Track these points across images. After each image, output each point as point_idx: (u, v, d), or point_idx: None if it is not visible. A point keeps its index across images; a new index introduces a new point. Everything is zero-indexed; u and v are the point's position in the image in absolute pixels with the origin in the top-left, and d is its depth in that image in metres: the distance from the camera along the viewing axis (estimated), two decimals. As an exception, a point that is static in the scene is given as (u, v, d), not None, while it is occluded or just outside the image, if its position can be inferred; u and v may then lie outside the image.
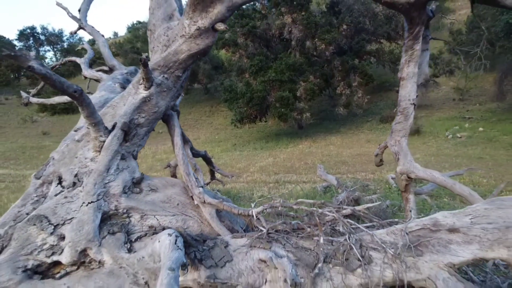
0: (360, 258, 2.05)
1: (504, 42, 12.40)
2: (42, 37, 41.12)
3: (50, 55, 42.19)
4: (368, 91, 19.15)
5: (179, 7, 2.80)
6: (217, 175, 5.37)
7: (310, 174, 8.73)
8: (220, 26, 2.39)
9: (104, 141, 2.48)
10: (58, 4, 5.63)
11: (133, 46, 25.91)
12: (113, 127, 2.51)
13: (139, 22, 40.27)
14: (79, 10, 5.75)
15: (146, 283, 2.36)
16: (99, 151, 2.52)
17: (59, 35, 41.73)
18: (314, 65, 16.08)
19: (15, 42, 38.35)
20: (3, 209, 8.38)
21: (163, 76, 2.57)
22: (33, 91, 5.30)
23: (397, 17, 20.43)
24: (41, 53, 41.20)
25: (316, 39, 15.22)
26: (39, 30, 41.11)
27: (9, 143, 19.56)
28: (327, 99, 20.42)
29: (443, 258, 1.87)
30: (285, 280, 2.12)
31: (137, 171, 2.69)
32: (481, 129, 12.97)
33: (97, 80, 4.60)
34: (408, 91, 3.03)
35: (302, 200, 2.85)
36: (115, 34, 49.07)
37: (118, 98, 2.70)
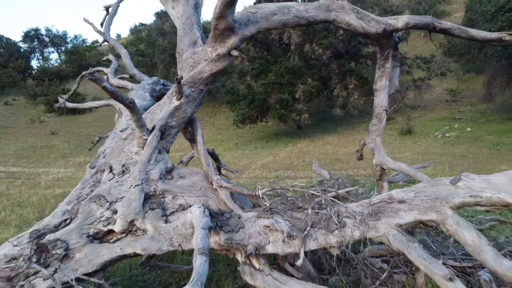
0: (337, 223, 2.85)
1: (487, 48, 13.20)
2: (46, 39, 41.94)
3: (54, 57, 42.95)
4: (364, 93, 19.96)
5: (201, 35, 3.59)
6: (223, 171, 6.16)
7: (307, 171, 9.54)
8: (234, 53, 3.19)
9: (146, 139, 3.28)
10: (85, 20, 6.42)
11: (138, 49, 26.67)
12: (153, 128, 3.30)
13: (142, 24, 41.01)
14: (101, 24, 6.55)
15: (179, 245, 3.14)
16: (142, 147, 3.32)
17: (63, 37, 42.56)
18: (312, 68, 16.89)
19: (20, 44, 39.17)
20: (26, 203, 9.20)
21: (190, 90, 3.36)
22: (65, 96, 6.07)
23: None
24: (45, 54, 42.09)
25: (314, 44, 16.03)
26: (43, 31, 41.96)
27: (20, 142, 20.39)
28: (325, 101, 21.22)
29: (394, 220, 2.67)
30: (283, 241, 2.92)
31: (169, 162, 3.49)
32: (468, 129, 13.78)
33: (121, 87, 5.38)
34: (381, 100, 3.82)
35: (296, 183, 3.65)
36: (118, 35, 49.93)
37: (155, 106, 3.49)
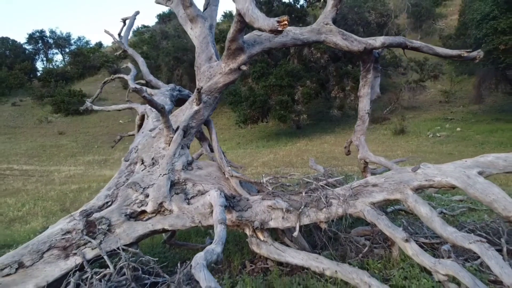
0: (325, 203, 3.62)
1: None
2: (51, 40, 42.72)
3: (59, 58, 43.71)
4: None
5: (215, 52, 4.36)
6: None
7: (305, 168, 10.32)
8: (243, 67, 3.96)
9: (172, 137, 4.05)
10: (106, 32, 7.19)
11: (143, 51, 27.42)
12: (177, 128, 4.07)
13: (144, 26, 41.77)
14: (119, 35, 7.31)
15: (199, 222, 3.90)
16: (168, 144, 4.09)
17: (67, 39, 43.34)
18: (310, 71, 17.68)
19: (25, 46, 39.95)
20: (45, 197, 9.96)
21: (207, 97, 4.13)
22: (89, 100, 6.84)
23: (388, 26, 22.00)
24: (49, 56, 42.88)
25: (313, 48, 16.82)
26: (47, 33, 42.75)
27: (29, 142, 21.17)
28: (323, 102, 21.99)
29: (368, 199, 3.44)
30: (283, 217, 3.69)
31: (189, 156, 4.26)
32: (458, 129, 14.55)
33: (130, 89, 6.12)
34: (364, 105, 4.59)
35: (294, 173, 4.42)
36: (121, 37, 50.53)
37: (178, 110, 4.26)
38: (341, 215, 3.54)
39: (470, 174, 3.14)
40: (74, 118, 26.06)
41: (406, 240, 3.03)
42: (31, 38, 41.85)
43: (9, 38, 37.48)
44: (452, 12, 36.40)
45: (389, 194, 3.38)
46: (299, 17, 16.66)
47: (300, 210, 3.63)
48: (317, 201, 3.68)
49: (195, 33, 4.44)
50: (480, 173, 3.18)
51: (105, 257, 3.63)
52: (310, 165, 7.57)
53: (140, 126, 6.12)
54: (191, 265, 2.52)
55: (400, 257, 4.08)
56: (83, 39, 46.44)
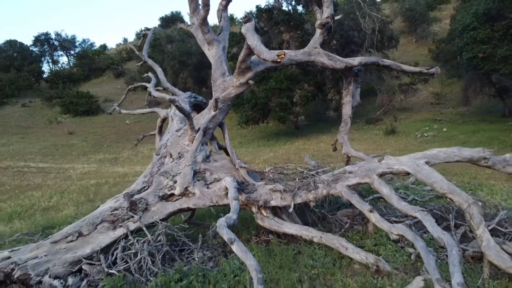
0: (313, 186, 4.74)
1: (460, 60, 15.11)
2: (56, 43, 43.85)
3: (64, 60, 44.74)
4: (356, 96, 21.87)
5: (227, 69, 5.49)
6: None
7: (302, 164, 11.43)
8: (250, 82, 5.09)
9: (194, 136, 5.17)
10: (128, 45, 8.37)
11: (148, 55, 28.55)
12: (199, 129, 5.19)
13: (147, 29, 42.76)
14: (139, 47, 8.43)
15: (216, 202, 5.02)
16: (192, 141, 5.21)
17: (72, 41, 44.47)
18: (308, 75, 18.82)
19: (32, 48, 41.04)
20: (69, 190, 11.05)
21: (222, 104, 5.26)
22: (116, 104, 7.93)
23: (382, 31, 23.12)
24: (55, 58, 44.00)
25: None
26: (53, 36, 43.87)
27: (41, 141, 22.28)
28: (320, 104, 23.12)
29: (345, 183, 4.55)
30: (281, 198, 4.80)
31: (208, 151, 5.38)
32: (445, 129, 15.68)
33: (152, 96, 7.19)
34: (346, 110, 5.72)
35: (290, 164, 5.55)
36: (125, 40, 51.85)
37: (198, 115, 5.39)
38: (326, 195, 4.66)
39: (419, 163, 4.27)
40: (82, 119, 27.20)
41: (371, 211, 4.15)
42: (37, 40, 43.00)
43: (16, 41, 38.65)
44: (446, 16, 37.46)
45: (361, 178, 4.50)
46: (297, 25, 17.79)
47: (294, 192, 4.75)
48: (307, 185, 4.81)
49: (212, 53, 5.57)
50: (427, 163, 4.31)
51: (144, 228, 4.77)
52: (306, 160, 8.72)
53: (160, 127, 7.26)
54: (216, 226, 3.63)
55: (374, 231, 5.20)
56: (87, 41, 47.54)
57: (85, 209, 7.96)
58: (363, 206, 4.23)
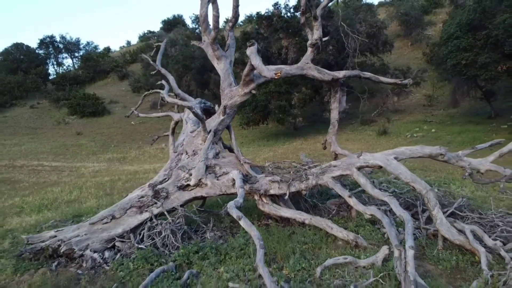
0: (305, 178, 5.79)
1: (445, 65, 16.17)
2: (61, 45, 44.90)
3: (69, 62, 45.82)
4: (351, 99, 22.93)
5: (234, 80, 6.53)
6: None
7: (298, 162, 12.47)
8: (253, 91, 6.14)
9: (206, 137, 6.22)
10: (143, 57, 9.34)
11: (150, 56, 29.62)
12: (210, 131, 6.24)
13: (150, 32, 43.92)
14: (151, 57, 9.45)
15: (225, 191, 6.06)
16: (204, 141, 6.26)
17: (76, 44, 45.52)
18: (306, 79, 19.85)
19: (37, 51, 42.08)
20: (86, 186, 12.02)
21: (229, 110, 6.30)
22: (134, 107, 8.96)
23: (377, 36, 24.18)
24: (59, 60, 45.05)
25: (308, 58, 19.02)
26: (58, 38, 44.94)
27: (51, 141, 23.31)
28: (317, 106, 24.14)
29: (330, 174, 5.59)
30: (278, 187, 5.84)
31: (217, 149, 6.43)
32: (433, 130, 16.71)
33: (164, 100, 8.23)
34: (334, 115, 6.76)
35: (286, 159, 6.60)
36: (128, 42, 52.96)
37: (209, 119, 6.44)
38: (315, 185, 5.70)
39: (389, 158, 5.32)
40: (89, 120, 28.25)
41: (350, 196, 5.19)
42: (42, 43, 44.05)
43: (23, 44, 39.75)
44: (441, 19, 38.49)
45: (343, 171, 5.54)
46: (296, 32, 18.83)
47: (289, 182, 5.79)
48: (300, 176, 5.85)
49: (220, 67, 6.62)
50: (395, 158, 5.35)
51: (166, 212, 5.80)
52: (301, 158, 9.77)
53: (173, 128, 8.29)
54: (227, 207, 4.65)
55: (356, 216, 6.21)
56: (91, 44, 48.60)
57: (106, 202, 8.97)
58: (344, 192, 5.28)
